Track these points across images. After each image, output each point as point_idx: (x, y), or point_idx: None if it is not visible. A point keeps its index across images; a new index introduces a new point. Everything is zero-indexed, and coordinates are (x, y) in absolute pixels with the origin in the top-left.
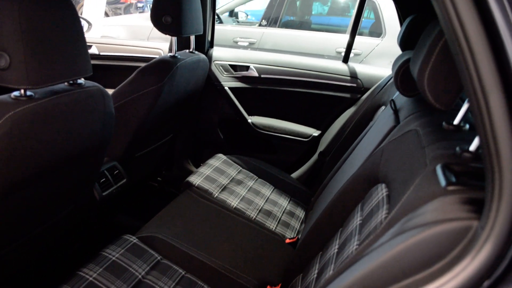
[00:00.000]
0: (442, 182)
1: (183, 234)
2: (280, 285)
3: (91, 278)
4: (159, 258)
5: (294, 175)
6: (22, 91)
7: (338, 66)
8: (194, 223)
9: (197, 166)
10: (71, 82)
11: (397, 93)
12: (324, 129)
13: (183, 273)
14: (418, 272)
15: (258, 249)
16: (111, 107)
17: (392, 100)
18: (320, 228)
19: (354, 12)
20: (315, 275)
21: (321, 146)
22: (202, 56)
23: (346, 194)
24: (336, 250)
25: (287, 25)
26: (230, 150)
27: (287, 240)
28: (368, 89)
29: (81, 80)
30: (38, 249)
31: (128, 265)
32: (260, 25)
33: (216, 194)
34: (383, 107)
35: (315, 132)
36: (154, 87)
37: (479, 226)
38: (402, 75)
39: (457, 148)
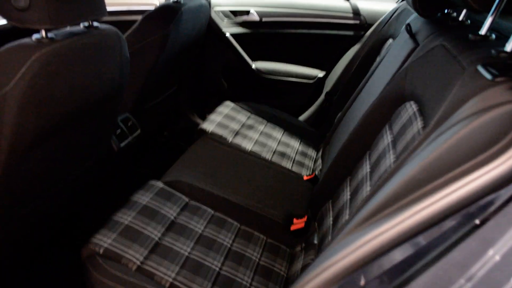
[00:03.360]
0: (488, 76)
1: (206, 177)
2: (306, 216)
3: (126, 222)
4: (187, 200)
5: (302, 117)
6: (43, 33)
7: (340, 4)
8: (215, 166)
9: (203, 118)
10: (87, 25)
11: (411, 17)
12: (329, 69)
13: (212, 212)
14: (475, 156)
15: (280, 185)
16: (126, 50)
17: (408, 24)
18: (345, 155)
19: None
20: (349, 197)
21: (327, 87)
22: (203, 0)
23: (370, 118)
24: (368, 170)
25: None
26: (235, 98)
27: (305, 177)
28: (371, 25)
29: (96, 23)
30: (63, 202)
31: (159, 208)
32: None
33: (230, 139)
34: (390, 40)
35: (320, 73)
36: (161, 34)
37: None
38: None
39: (493, 51)
